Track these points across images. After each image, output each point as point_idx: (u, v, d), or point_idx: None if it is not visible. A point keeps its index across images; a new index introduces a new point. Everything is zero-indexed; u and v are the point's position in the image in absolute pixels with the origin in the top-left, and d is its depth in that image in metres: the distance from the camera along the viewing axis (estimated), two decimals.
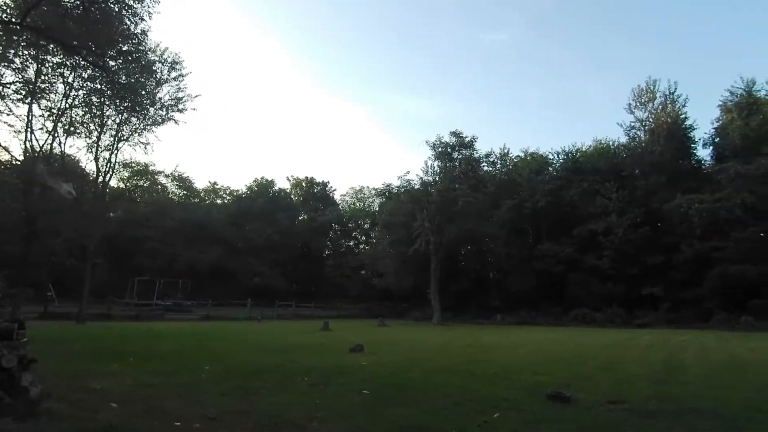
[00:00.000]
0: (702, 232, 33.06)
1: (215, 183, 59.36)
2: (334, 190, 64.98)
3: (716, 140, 38.75)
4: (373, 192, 59.58)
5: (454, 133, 41.61)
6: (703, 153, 40.62)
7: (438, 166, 41.94)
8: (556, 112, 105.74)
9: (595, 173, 41.01)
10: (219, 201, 59.24)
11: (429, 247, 37.72)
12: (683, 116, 39.48)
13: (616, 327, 31.42)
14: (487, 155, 44.84)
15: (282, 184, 63.13)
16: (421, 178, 41.97)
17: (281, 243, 52.98)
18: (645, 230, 36.49)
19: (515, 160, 48.32)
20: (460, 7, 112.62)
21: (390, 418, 5.56)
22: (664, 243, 35.92)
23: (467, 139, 41.68)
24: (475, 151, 42.59)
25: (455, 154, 41.89)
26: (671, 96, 39.89)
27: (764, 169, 31.06)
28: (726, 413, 6.11)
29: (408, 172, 50.48)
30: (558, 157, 45.80)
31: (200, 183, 63.26)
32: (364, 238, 62.55)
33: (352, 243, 62.94)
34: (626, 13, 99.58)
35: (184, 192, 53.97)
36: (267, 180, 60.27)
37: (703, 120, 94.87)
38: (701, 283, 32.74)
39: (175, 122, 25.75)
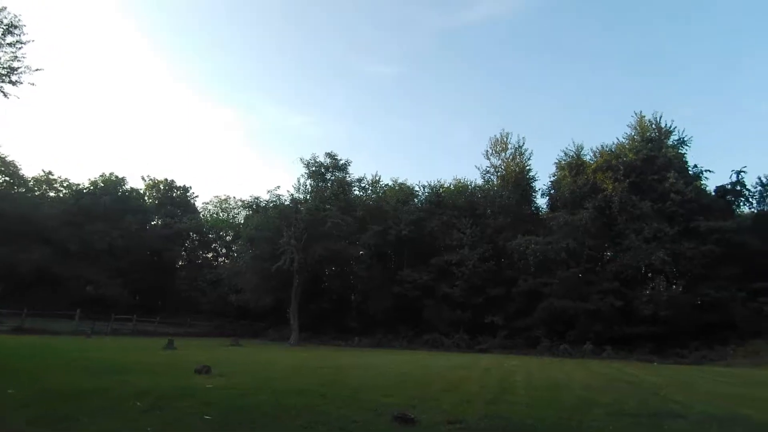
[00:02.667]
0: (535, 269, 37.94)
1: (50, 173, 50.88)
2: (196, 196, 60.90)
3: (551, 192, 45.01)
4: (240, 203, 57.10)
5: (329, 155, 42.17)
6: (541, 201, 46.81)
7: (310, 184, 41.92)
8: (426, 148, 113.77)
9: (453, 209, 44.63)
10: (53, 194, 50.94)
11: (293, 265, 37.00)
12: (528, 168, 45.30)
13: (461, 351, 34.14)
14: (359, 180, 46.28)
15: (135, 183, 57.07)
16: (292, 194, 41.48)
17: (126, 248, 47.47)
18: (491, 264, 40.64)
19: (384, 188, 50.24)
20: (348, 35, 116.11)
21: None
22: (506, 276, 40.37)
23: (341, 162, 42.49)
24: (348, 175, 43.55)
25: (328, 175, 42.31)
26: (520, 149, 45.58)
27: (585, 221, 37.02)
28: (542, 428, 6.95)
29: (278, 187, 49.40)
30: (423, 189, 48.81)
31: (30, 171, 54.10)
32: (224, 250, 59.13)
33: (210, 255, 59.06)
34: (496, 66, 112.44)
35: (6, 178, 45.55)
36: (116, 177, 53.42)
37: (543, 173, 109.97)
38: (532, 314, 37.36)
39: (4, 95, 21.81)
